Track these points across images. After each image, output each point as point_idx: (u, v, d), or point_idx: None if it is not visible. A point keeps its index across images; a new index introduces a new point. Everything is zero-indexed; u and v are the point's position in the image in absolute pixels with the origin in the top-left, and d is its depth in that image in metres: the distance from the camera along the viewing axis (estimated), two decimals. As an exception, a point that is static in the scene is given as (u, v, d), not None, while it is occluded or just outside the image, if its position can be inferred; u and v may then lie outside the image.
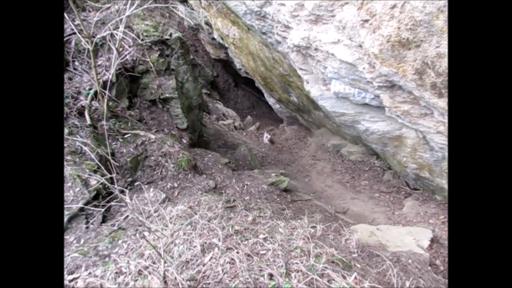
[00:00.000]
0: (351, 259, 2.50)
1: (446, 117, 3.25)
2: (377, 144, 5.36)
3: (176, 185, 3.71)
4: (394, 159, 5.29)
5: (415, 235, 3.44)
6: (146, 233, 2.65)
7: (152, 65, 4.31)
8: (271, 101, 9.61)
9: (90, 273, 2.28)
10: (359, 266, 2.46)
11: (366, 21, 3.44)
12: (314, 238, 2.66)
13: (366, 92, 4.41)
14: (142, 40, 4.22)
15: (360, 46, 3.72)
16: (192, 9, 8.97)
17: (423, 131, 3.98)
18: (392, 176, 5.97)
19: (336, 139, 7.56)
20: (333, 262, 2.29)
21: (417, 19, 2.83)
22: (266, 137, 8.97)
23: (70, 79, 3.73)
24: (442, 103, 3.07)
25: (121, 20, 3.32)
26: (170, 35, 4.63)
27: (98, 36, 3.60)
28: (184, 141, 4.57)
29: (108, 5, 4.03)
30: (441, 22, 2.62)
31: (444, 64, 2.76)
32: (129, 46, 4.09)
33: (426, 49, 2.87)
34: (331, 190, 6.00)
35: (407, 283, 2.36)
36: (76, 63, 3.81)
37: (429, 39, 2.80)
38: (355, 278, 2.03)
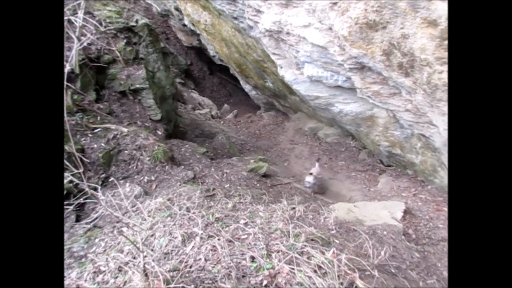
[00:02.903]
0: (330, 236, 2.61)
1: (413, 95, 3.38)
2: (351, 125, 5.50)
3: (153, 178, 3.65)
4: (367, 138, 5.47)
5: (390, 209, 3.62)
6: (124, 229, 2.61)
7: (119, 54, 4.11)
8: (247, 88, 9.55)
9: (64, 276, 2.21)
10: (337, 241, 2.57)
11: (335, 3, 3.46)
12: (294, 219, 2.73)
13: (338, 74, 4.48)
14: (105, 27, 3.99)
15: (330, 29, 3.76)
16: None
17: (393, 110, 4.13)
18: (367, 155, 6.19)
19: (312, 123, 7.68)
20: (312, 240, 2.37)
21: (382, 1, 2.89)
22: (308, 182, 4.73)
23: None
24: (409, 82, 3.19)
25: (79, 4, 3.11)
26: (136, 21, 4.42)
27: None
28: (159, 132, 4.47)
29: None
30: (404, 3, 2.69)
31: (408, 44, 2.85)
32: (92, 34, 3.87)
33: (392, 30, 2.95)
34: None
35: (382, 253, 2.50)
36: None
37: (394, 21, 2.87)
38: (333, 252, 2.12)
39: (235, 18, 5.45)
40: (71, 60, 3.36)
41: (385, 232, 3.04)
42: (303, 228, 2.53)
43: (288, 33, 4.45)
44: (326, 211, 3.30)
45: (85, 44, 3.65)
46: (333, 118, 6.00)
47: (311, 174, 4.80)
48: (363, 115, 4.93)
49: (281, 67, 5.43)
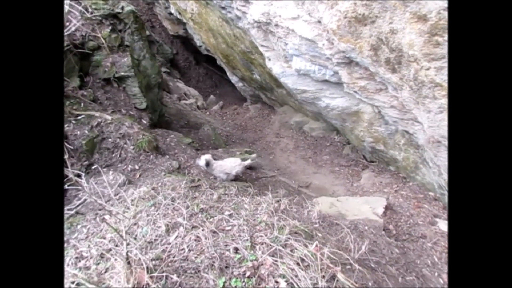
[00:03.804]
0: (313, 229, 2.64)
1: (399, 91, 3.44)
2: (336, 120, 5.57)
3: (137, 167, 3.58)
4: (352, 134, 5.56)
5: (371, 204, 3.71)
6: (107, 217, 2.56)
7: (104, 41, 3.97)
8: (234, 79, 9.47)
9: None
10: (320, 235, 2.61)
11: (325, -5, 3.45)
12: (278, 212, 2.75)
13: (326, 68, 4.50)
14: (91, 13, 3.84)
15: (319, 22, 3.75)
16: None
17: (379, 106, 4.20)
18: (351, 150, 6.30)
19: (298, 116, 7.72)
20: (296, 233, 2.40)
21: (372, -5, 2.90)
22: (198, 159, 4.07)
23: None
24: (395, 78, 3.24)
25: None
26: (122, 8, 4.27)
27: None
28: (144, 121, 4.37)
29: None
30: (394, -2, 2.71)
31: (396, 40, 2.89)
32: (77, 20, 3.71)
33: (381, 25, 2.97)
34: (294, 166, 6.19)
35: (363, 247, 2.56)
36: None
37: (383, 15, 2.89)
38: (316, 245, 2.15)
39: (223, 8, 5.35)
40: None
41: (366, 227, 3.11)
42: (287, 221, 2.55)
43: (276, 25, 4.41)
44: (310, 204, 3.34)
45: (76, 32, 3.48)
46: (319, 112, 6.05)
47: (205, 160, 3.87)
48: (349, 110, 4.99)
49: (269, 60, 5.40)
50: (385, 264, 2.64)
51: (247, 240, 2.16)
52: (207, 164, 3.92)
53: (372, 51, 3.26)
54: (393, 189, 4.67)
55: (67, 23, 3.74)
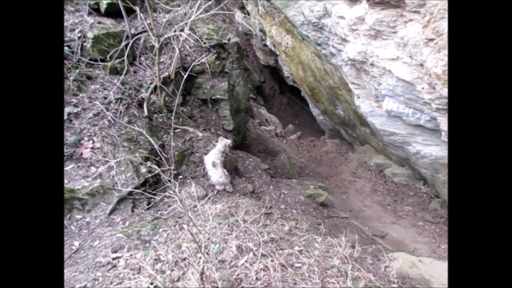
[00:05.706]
0: (390, 289, 2.36)
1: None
2: (427, 169, 5.02)
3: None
4: (444, 187, 4.92)
5: (465, 275, 3.11)
6: (185, 226, 2.74)
7: (208, 66, 4.50)
8: (315, 111, 9.49)
9: (131, 254, 2.41)
10: (398, 298, 2.31)
11: (431, 40, 3.27)
12: (351, 259, 2.55)
13: (421, 113, 4.17)
14: (204, 43, 4.43)
15: (421, 65, 3.54)
16: (248, 14, 9.25)
17: (484, 162, 3.65)
18: (440, 205, 5.54)
19: (380, 158, 7.22)
20: (370, 288, 2.18)
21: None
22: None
23: (135, 72, 4.03)
24: None
25: (186, 23, 3.53)
26: (229, 39, 4.81)
27: (165, 36, 3.85)
28: (229, 142, 4.68)
29: (177, 8, 4.27)
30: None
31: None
32: (190, 47, 4.31)
33: (500, 74, 2.64)
34: (369, 210, 5.73)
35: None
36: (142, 58, 4.13)
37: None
38: (395, 310, 1.90)
39: (319, 44, 5.52)
40: (171, 67, 3.77)
41: (460, 305, 2.60)
42: (361, 272, 2.33)
43: (372, 65, 4.32)
44: (388, 259, 3.01)
45: (187, 57, 3.93)
46: (406, 157, 5.56)
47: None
48: (443, 160, 4.46)
49: (358, 97, 5.28)
50: None
51: (317, 284, 2.04)
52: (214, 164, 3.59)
53: (484, 101, 2.90)
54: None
55: (182, 49, 4.33)
